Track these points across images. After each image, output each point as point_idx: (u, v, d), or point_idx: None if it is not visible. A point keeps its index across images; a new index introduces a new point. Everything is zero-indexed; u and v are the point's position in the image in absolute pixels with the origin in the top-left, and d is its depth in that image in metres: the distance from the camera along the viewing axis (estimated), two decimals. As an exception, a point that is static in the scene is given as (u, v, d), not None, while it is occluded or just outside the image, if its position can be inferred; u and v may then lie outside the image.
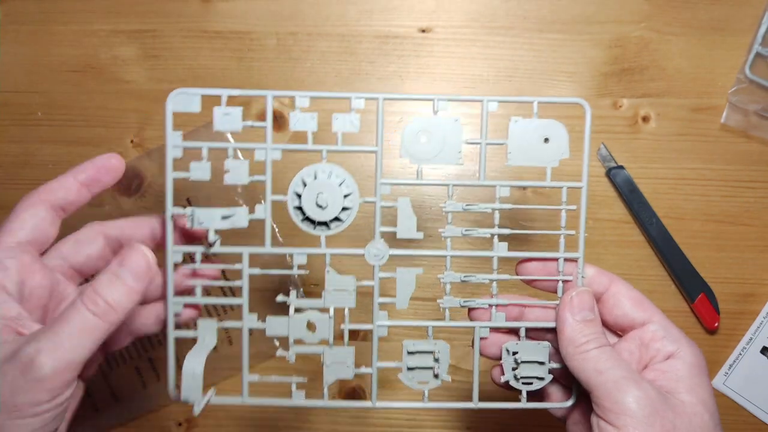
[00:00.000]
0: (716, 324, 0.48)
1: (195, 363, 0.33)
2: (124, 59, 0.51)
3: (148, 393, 0.50)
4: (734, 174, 0.49)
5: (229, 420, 0.50)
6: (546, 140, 0.34)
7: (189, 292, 0.35)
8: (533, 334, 0.36)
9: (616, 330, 0.35)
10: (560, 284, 0.35)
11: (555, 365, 0.35)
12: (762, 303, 0.49)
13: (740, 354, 0.49)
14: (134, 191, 0.50)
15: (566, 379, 0.36)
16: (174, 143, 0.33)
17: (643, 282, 0.49)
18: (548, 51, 0.50)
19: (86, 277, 0.33)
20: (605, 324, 0.34)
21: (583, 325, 0.32)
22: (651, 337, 0.33)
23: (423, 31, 0.50)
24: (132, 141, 0.50)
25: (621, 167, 0.49)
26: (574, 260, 0.34)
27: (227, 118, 0.33)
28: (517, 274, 0.36)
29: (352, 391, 0.50)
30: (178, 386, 0.34)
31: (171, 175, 0.33)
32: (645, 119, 0.50)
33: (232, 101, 0.33)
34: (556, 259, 0.35)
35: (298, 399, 0.35)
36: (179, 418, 0.50)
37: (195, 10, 0.51)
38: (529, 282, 0.36)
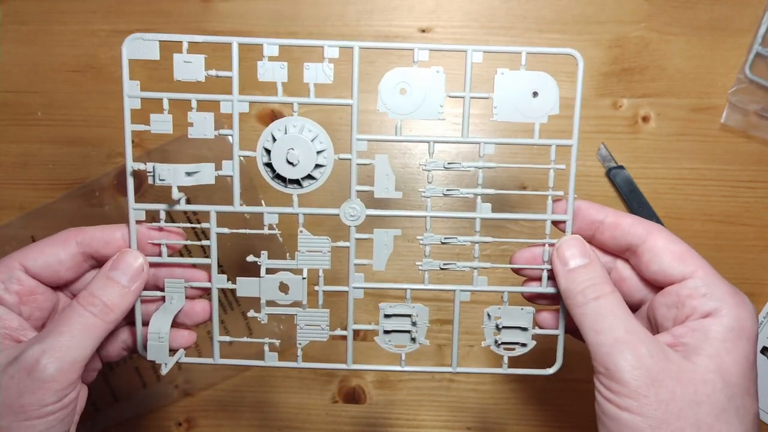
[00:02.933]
0: (716, 324, 0.48)
1: (161, 323, 0.32)
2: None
3: (148, 393, 0.50)
4: (734, 174, 0.49)
5: (230, 420, 0.50)
6: (535, 94, 0.32)
7: (160, 288, 0.34)
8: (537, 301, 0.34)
9: (656, 285, 0.31)
10: (546, 248, 0.33)
11: (540, 331, 0.34)
12: (762, 303, 0.49)
13: (740, 354, 0.49)
14: (134, 191, 0.50)
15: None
16: (131, 93, 0.31)
17: (643, 282, 0.49)
18: (548, 51, 0.50)
19: (61, 283, 0.33)
20: (644, 278, 0.31)
21: (576, 273, 0.30)
22: (689, 294, 0.29)
23: (423, 31, 0.50)
24: (132, 141, 0.50)
25: (621, 167, 0.49)
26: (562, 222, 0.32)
27: (188, 67, 0.31)
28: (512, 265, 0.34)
29: (351, 391, 0.50)
30: (145, 347, 0.33)
31: (129, 127, 0.31)
32: (645, 119, 0.50)
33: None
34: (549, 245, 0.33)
35: (271, 360, 0.34)
36: (179, 418, 0.50)
37: (195, 10, 0.51)
38: (517, 271, 0.34)
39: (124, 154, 0.52)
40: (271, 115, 0.50)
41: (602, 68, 0.50)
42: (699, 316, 0.28)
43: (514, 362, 0.34)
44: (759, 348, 0.49)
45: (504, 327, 0.34)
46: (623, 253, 0.32)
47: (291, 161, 0.32)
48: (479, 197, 0.33)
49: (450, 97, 0.32)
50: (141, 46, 0.31)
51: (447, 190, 0.33)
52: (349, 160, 0.32)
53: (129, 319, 0.34)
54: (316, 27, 0.50)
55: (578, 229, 0.32)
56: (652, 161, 0.49)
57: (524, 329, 0.34)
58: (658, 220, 0.49)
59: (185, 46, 0.31)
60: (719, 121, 0.49)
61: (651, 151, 0.49)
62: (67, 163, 0.51)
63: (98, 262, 0.33)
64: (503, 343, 0.34)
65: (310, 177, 0.32)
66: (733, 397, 0.26)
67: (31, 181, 0.51)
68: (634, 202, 0.49)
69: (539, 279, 0.33)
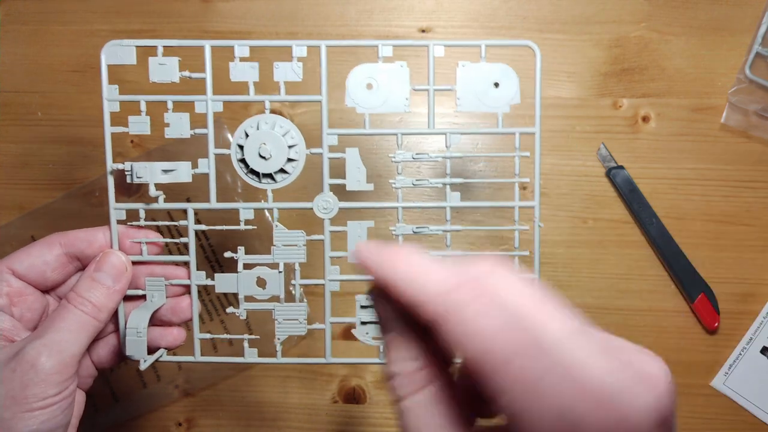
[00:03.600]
0: (716, 324, 0.48)
1: (139, 320, 0.33)
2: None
3: (148, 393, 0.50)
4: (734, 174, 0.49)
5: (229, 420, 0.50)
6: (496, 85, 0.33)
7: (141, 287, 0.34)
8: None
9: None
10: (516, 234, 0.34)
11: None
12: (762, 303, 0.49)
13: (740, 354, 0.49)
14: (134, 191, 0.50)
15: None
16: (110, 97, 0.33)
17: (643, 282, 0.49)
18: (548, 51, 0.50)
19: (48, 285, 0.33)
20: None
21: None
22: None
23: (423, 31, 0.50)
24: (132, 141, 0.50)
25: (621, 167, 0.49)
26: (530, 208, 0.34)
27: (163, 69, 0.33)
28: None
29: (351, 391, 0.50)
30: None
31: (109, 129, 0.33)
32: (645, 119, 0.50)
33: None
34: None
35: (251, 357, 0.35)
36: (179, 418, 0.50)
37: (195, 10, 0.51)
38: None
39: (123, 154, 0.52)
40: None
41: (602, 68, 0.50)
42: None
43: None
44: (759, 348, 0.49)
45: (368, 322, 0.34)
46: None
47: (263, 155, 0.33)
48: (448, 186, 0.34)
49: (415, 90, 0.33)
50: (119, 52, 0.33)
51: (416, 180, 0.34)
52: (321, 154, 0.33)
53: (116, 327, 0.35)
54: (315, 27, 0.50)
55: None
56: (652, 161, 0.49)
57: None
58: (658, 220, 0.49)
59: (160, 50, 0.33)
60: (719, 121, 0.49)
61: (651, 151, 0.49)
62: (67, 163, 0.51)
63: (82, 263, 0.34)
64: (372, 335, 0.34)
65: (283, 171, 0.33)
66: None
67: (31, 181, 0.51)
68: (634, 202, 0.49)
69: None
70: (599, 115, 0.50)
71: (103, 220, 0.47)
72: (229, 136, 0.46)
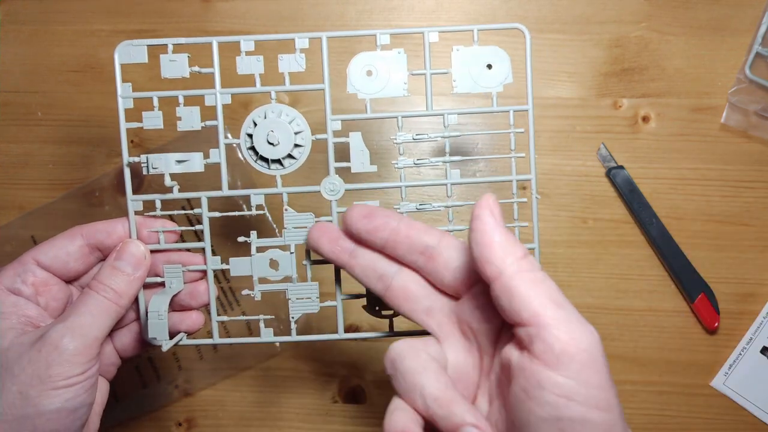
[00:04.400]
0: (716, 324, 0.48)
1: (160, 303, 0.34)
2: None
3: (148, 393, 0.50)
4: (734, 174, 0.49)
5: (229, 420, 0.50)
6: (489, 66, 0.35)
7: (159, 274, 0.36)
8: None
9: (455, 290, 0.30)
10: (515, 207, 0.35)
11: None
12: (762, 303, 0.49)
13: (740, 354, 0.49)
14: (134, 191, 0.50)
15: None
16: (124, 94, 0.35)
17: (643, 282, 0.49)
18: (548, 51, 0.50)
19: (71, 275, 0.35)
20: (443, 284, 0.30)
21: (514, 235, 0.28)
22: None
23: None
24: (132, 141, 0.50)
25: (621, 167, 0.49)
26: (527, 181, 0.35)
27: (174, 65, 0.34)
28: None
29: (351, 391, 0.50)
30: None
31: (124, 125, 0.35)
32: (645, 119, 0.50)
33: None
34: None
35: (266, 336, 0.36)
36: (179, 418, 0.50)
37: (195, 10, 0.51)
38: None
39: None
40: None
41: (602, 68, 0.50)
42: None
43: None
44: (759, 348, 0.49)
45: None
46: (415, 256, 0.31)
47: (271, 142, 0.34)
48: (448, 164, 0.35)
49: (412, 74, 0.35)
50: (131, 51, 0.35)
51: (417, 160, 0.36)
52: (326, 139, 0.35)
53: (138, 316, 0.36)
54: (315, 27, 0.50)
55: (374, 230, 0.31)
56: (652, 161, 0.49)
57: None
58: (658, 220, 0.49)
59: (170, 47, 0.34)
60: (719, 121, 0.49)
61: (651, 151, 0.49)
62: (67, 163, 0.51)
63: (103, 254, 0.35)
64: (381, 308, 0.35)
65: (290, 157, 0.35)
66: None
67: (31, 181, 0.51)
68: (634, 202, 0.49)
69: None
70: (599, 115, 0.50)
71: (104, 219, 0.47)
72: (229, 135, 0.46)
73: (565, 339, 0.24)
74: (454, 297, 0.31)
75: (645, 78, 0.50)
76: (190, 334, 0.37)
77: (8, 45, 0.51)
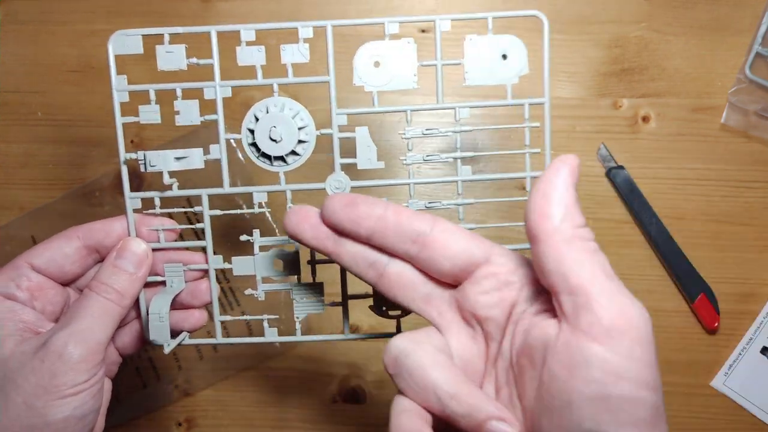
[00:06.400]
0: (716, 324, 0.48)
1: (161, 304, 0.33)
2: (124, 59, 0.51)
3: (148, 393, 0.50)
4: (734, 174, 0.49)
5: (229, 420, 0.50)
6: (504, 57, 0.33)
7: (159, 273, 0.35)
8: None
9: (449, 278, 0.28)
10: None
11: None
12: (762, 303, 0.49)
13: (740, 354, 0.49)
14: (134, 191, 0.50)
15: None
16: (119, 87, 0.33)
17: (643, 282, 0.49)
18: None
19: (67, 278, 0.34)
20: (440, 273, 0.28)
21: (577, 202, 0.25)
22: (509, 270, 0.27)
23: (423, 31, 0.50)
24: (132, 141, 0.50)
25: (621, 167, 0.49)
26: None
27: (170, 56, 0.33)
28: None
29: (351, 391, 0.50)
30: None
31: (120, 119, 0.33)
32: (645, 119, 0.50)
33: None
34: None
35: (271, 336, 0.35)
36: (179, 418, 0.50)
37: (195, 10, 0.51)
38: None
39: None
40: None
41: (602, 68, 0.50)
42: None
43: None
44: (759, 348, 0.49)
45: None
46: (407, 245, 0.28)
47: (274, 138, 0.33)
48: (459, 160, 0.34)
49: (422, 66, 0.33)
50: (126, 42, 0.33)
51: (427, 155, 0.34)
52: (331, 134, 0.33)
53: (139, 313, 0.35)
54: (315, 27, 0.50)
55: (358, 219, 0.29)
56: (652, 161, 0.49)
57: None
58: (658, 220, 0.49)
59: (166, 38, 0.33)
60: (719, 121, 0.49)
61: (651, 151, 0.49)
62: (67, 163, 0.51)
63: (101, 255, 0.34)
64: (388, 307, 0.34)
65: (294, 153, 0.33)
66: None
67: (31, 181, 0.51)
68: (634, 202, 0.49)
69: None
70: (599, 115, 0.50)
71: (103, 219, 0.47)
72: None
73: (616, 312, 0.23)
74: (452, 285, 0.29)
75: (645, 78, 0.50)
76: (192, 333, 0.36)
77: (8, 45, 0.51)
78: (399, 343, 0.27)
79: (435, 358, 0.26)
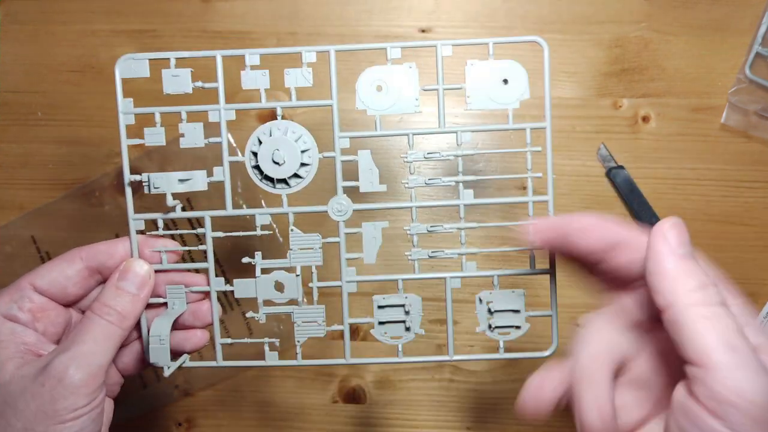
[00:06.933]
0: (716, 324, 0.48)
1: (162, 327, 0.33)
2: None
3: (148, 393, 0.50)
4: (734, 174, 0.49)
5: (230, 420, 0.50)
6: (505, 81, 0.33)
7: (161, 294, 0.35)
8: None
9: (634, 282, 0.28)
10: (531, 229, 0.33)
11: (533, 313, 0.34)
12: (762, 303, 0.49)
13: (740, 354, 0.49)
14: (134, 191, 0.50)
15: None
16: (125, 110, 0.33)
17: (643, 282, 0.49)
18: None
19: (69, 299, 0.34)
20: (620, 279, 0.28)
21: (694, 264, 0.25)
22: None
23: (423, 31, 0.50)
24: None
25: (621, 167, 0.49)
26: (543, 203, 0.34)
27: (176, 80, 0.33)
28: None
29: (351, 391, 0.50)
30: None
31: (125, 142, 0.34)
32: (645, 119, 0.50)
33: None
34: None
35: (271, 360, 0.35)
36: (179, 418, 0.50)
37: (195, 10, 0.51)
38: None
39: (121, 155, 0.52)
40: (271, 115, 0.50)
41: (602, 68, 0.50)
42: None
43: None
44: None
45: (496, 311, 0.34)
46: (603, 252, 0.29)
47: (277, 161, 0.33)
48: (461, 184, 0.34)
49: (424, 90, 0.33)
50: (133, 66, 0.33)
51: (429, 179, 0.34)
52: (333, 157, 0.34)
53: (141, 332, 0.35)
54: (315, 27, 0.50)
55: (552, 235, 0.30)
56: (652, 161, 0.49)
57: (517, 311, 0.34)
58: (658, 220, 0.48)
59: (173, 62, 0.33)
60: (719, 121, 0.49)
61: (651, 151, 0.49)
62: (67, 163, 0.51)
63: (103, 276, 0.34)
64: (497, 327, 0.34)
65: (296, 176, 0.34)
66: None
67: (31, 181, 0.51)
68: (634, 202, 0.49)
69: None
70: (599, 115, 0.50)
71: (103, 219, 0.47)
72: (240, 154, 0.47)
73: (730, 386, 0.22)
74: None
75: (645, 78, 0.50)
76: (193, 353, 0.36)
77: (8, 45, 0.51)
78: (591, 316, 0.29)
79: (601, 344, 0.27)
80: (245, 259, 0.34)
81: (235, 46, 0.50)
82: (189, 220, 0.48)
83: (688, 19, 0.50)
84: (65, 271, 0.33)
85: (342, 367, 0.50)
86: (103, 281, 0.34)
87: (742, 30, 0.49)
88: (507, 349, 0.35)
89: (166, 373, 0.34)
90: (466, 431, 0.50)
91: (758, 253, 0.49)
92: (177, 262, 0.35)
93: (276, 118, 0.34)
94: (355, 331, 0.50)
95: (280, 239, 0.46)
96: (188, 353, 0.36)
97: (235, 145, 0.47)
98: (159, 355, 0.33)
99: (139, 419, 0.50)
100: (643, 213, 0.49)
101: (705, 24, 0.50)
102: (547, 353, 0.34)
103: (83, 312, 0.34)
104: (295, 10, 0.51)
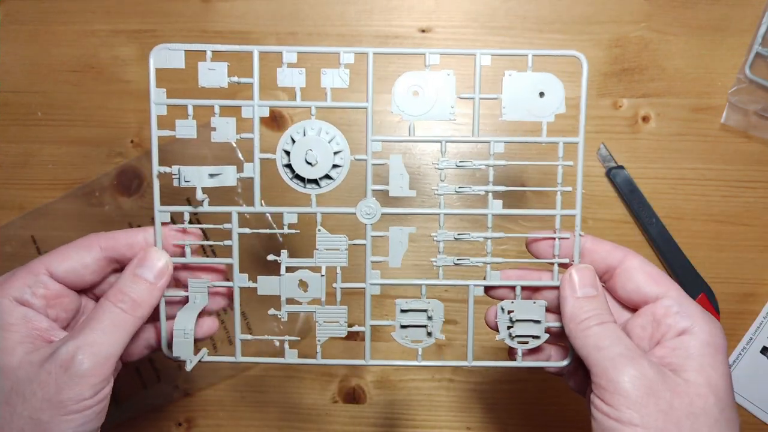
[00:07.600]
0: (716, 324, 0.48)
1: (186, 321, 0.33)
2: (124, 59, 0.51)
3: (148, 393, 0.50)
4: (734, 174, 0.49)
5: (230, 420, 0.50)
6: (541, 94, 0.33)
7: (180, 287, 0.35)
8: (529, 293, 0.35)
9: (630, 306, 0.33)
10: (557, 242, 0.34)
11: (551, 324, 0.34)
12: (762, 303, 0.49)
13: (740, 354, 0.49)
14: (134, 191, 0.50)
15: (564, 338, 0.35)
16: (157, 100, 0.33)
17: (643, 282, 0.49)
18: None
19: (85, 286, 0.33)
20: (619, 299, 0.33)
21: (585, 301, 0.32)
22: (664, 313, 0.31)
23: (423, 31, 0.50)
24: (132, 141, 0.50)
25: (621, 167, 0.49)
26: (571, 216, 0.34)
27: (212, 74, 0.33)
28: (529, 251, 0.35)
29: (351, 391, 0.50)
30: (170, 346, 0.34)
31: (156, 132, 0.33)
32: (645, 119, 0.50)
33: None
34: (565, 237, 0.34)
35: (291, 357, 0.35)
36: (179, 418, 0.50)
37: (195, 10, 0.51)
38: (534, 254, 0.35)
39: (123, 154, 0.52)
40: (274, 119, 0.50)
41: (602, 68, 0.50)
42: (674, 334, 0.30)
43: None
44: (759, 348, 0.49)
45: (517, 320, 0.34)
46: (600, 276, 0.33)
47: (309, 161, 0.33)
48: (490, 194, 0.34)
49: (460, 98, 0.33)
50: (167, 56, 0.33)
51: (459, 187, 0.34)
52: (365, 160, 0.34)
53: (150, 319, 0.34)
54: (315, 27, 0.50)
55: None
56: (652, 161, 0.49)
57: (537, 322, 0.34)
58: (658, 220, 0.49)
59: (209, 54, 0.33)
60: (719, 121, 0.49)
61: (651, 151, 0.49)
62: (67, 163, 0.51)
63: (121, 265, 0.34)
64: (517, 336, 0.34)
65: (327, 177, 0.34)
66: (724, 409, 0.28)
67: (31, 181, 0.51)
68: (634, 202, 0.49)
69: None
70: (599, 115, 0.50)
71: (103, 220, 0.47)
72: (240, 155, 0.47)
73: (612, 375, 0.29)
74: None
75: (645, 78, 0.50)
76: (203, 340, 0.35)
77: (8, 45, 0.51)
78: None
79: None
80: (271, 257, 0.34)
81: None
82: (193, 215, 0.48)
83: (688, 19, 0.50)
84: (83, 259, 0.32)
85: (342, 367, 0.50)
86: (120, 269, 0.34)
87: (742, 30, 0.49)
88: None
89: (188, 367, 0.33)
90: (466, 431, 0.50)
91: (758, 253, 0.49)
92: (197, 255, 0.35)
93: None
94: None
95: (280, 239, 0.46)
96: (198, 340, 0.35)
97: (235, 145, 0.47)
98: (183, 349, 0.33)
99: (139, 419, 0.50)
100: (643, 213, 0.49)
101: (705, 24, 0.50)
102: (564, 363, 0.35)
103: (95, 298, 0.34)
104: (295, 10, 0.51)
